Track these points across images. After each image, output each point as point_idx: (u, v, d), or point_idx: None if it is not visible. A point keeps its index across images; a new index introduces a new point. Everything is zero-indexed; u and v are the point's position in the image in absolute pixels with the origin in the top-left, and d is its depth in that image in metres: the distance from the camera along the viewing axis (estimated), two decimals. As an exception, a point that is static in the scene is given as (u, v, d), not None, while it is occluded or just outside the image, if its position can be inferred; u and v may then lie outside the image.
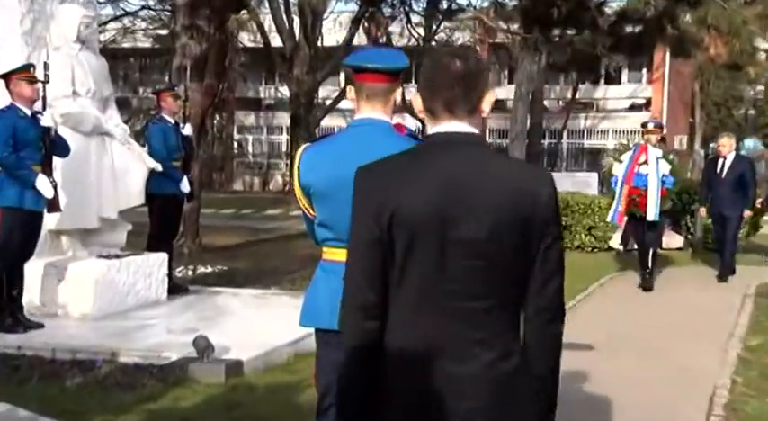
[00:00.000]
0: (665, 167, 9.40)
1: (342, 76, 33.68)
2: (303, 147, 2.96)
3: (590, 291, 9.44)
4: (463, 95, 2.07)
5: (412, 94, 2.20)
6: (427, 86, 2.11)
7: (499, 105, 35.72)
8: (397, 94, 2.88)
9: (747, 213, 10.27)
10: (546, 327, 2.10)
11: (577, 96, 33.60)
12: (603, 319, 8.09)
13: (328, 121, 29.64)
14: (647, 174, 9.30)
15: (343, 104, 27.66)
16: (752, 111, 36.04)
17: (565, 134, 34.01)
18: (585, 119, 34.07)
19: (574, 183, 18.21)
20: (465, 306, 2.03)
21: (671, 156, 9.89)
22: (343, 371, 2.11)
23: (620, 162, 9.65)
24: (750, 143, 29.60)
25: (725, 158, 10.19)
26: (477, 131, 2.10)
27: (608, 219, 9.97)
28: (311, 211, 2.92)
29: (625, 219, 9.62)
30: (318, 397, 2.92)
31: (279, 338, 6.08)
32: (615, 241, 12.69)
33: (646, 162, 9.35)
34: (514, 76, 31.16)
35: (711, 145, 40.24)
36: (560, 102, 35.54)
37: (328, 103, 27.56)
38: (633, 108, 33.39)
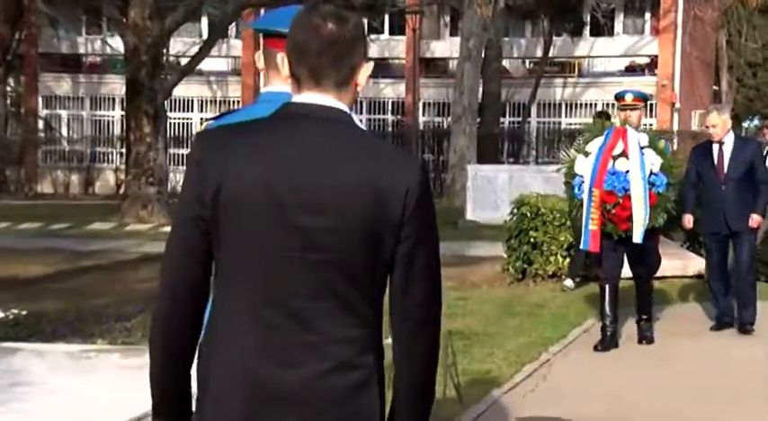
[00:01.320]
0: (654, 161, 9.01)
1: (204, 22, 33.54)
2: None
3: (570, 339, 9.59)
4: (332, 64, 2.54)
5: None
6: (294, 50, 2.56)
7: (437, 66, 36.14)
8: None
9: (757, 219, 9.90)
10: (407, 342, 2.58)
11: (551, 55, 34.19)
12: (589, 381, 8.20)
13: (185, 89, 29.47)
14: (626, 172, 8.89)
15: (205, 65, 27.52)
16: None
17: (534, 109, 34.57)
18: (563, 87, 34.70)
19: (546, 180, 18.39)
20: (295, 304, 2.48)
21: (663, 143, 9.53)
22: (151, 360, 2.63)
23: (587, 154, 9.15)
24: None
25: (721, 144, 9.95)
26: (343, 107, 2.57)
27: (581, 247, 9.51)
28: None
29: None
30: None
31: (108, 418, 6.02)
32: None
33: (624, 154, 8.94)
34: (459, 24, 31.60)
35: (745, 124, 41.25)
36: (527, 63, 36.10)
37: (183, 62, 27.38)
38: (632, 71, 34.14)
